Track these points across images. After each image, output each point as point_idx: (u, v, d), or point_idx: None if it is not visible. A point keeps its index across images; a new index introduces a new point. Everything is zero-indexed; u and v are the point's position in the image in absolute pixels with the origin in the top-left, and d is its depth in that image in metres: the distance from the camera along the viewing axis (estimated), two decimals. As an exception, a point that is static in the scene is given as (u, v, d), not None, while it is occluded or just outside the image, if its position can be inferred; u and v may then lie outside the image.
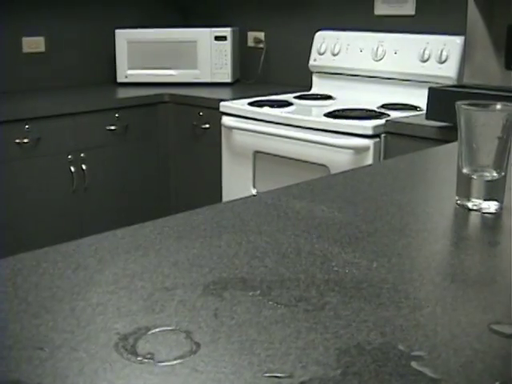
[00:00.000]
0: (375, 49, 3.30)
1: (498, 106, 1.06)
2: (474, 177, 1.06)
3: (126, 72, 3.87)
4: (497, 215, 1.05)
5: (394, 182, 1.27)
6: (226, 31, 3.78)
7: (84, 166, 3.35)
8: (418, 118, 2.70)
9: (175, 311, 0.72)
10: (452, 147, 1.59)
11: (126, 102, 3.50)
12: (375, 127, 2.66)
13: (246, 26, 4.05)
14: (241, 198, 1.13)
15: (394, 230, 0.98)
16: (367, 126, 2.67)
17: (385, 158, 2.64)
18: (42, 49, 3.81)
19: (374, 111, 2.92)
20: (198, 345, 0.65)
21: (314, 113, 3.06)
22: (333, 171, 2.75)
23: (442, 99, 2.50)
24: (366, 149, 2.65)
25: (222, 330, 0.68)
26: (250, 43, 4.05)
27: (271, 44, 3.96)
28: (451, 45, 3.04)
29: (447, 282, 0.80)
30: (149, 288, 0.78)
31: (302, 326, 0.68)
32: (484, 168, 1.06)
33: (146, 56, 3.84)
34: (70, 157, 3.30)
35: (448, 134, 2.42)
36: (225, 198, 3.33)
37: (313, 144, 2.83)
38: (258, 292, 0.76)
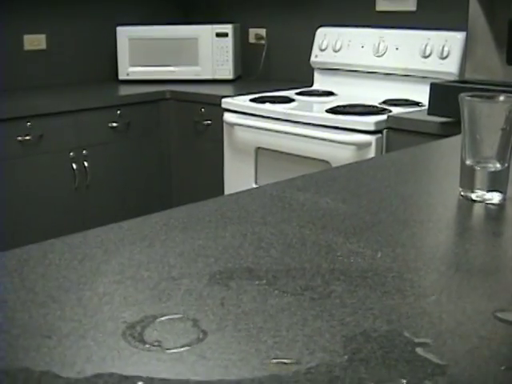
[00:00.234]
0: (377, 45, 3.30)
1: (502, 98, 1.06)
2: (478, 168, 1.06)
3: (128, 69, 3.88)
4: (500, 206, 1.06)
5: (397, 174, 1.27)
6: (228, 28, 3.78)
7: (86, 163, 3.35)
8: (419, 113, 2.70)
9: (182, 300, 0.72)
10: (454, 141, 1.59)
11: (128, 99, 3.51)
12: (377, 123, 2.66)
13: (247, 23, 4.05)
14: (245, 190, 1.13)
15: (397, 220, 0.98)
16: (369, 121, 2.68)
17: (387, 153, 2.65)
18: (44, 46, 3.82)
19: (376, 107, 2.93)
20: (205, 332, 0.65)
21: (316, 109, 3.06)
22: (335, 167, 2.75)
23: (443, 95, 2.50)
24: (367, 144, 2.65)
25: (229, 318, 0.68)
26: (252, 40, 4.06)
27: (272, 40, 3.96)
28: (453, 40, 3.04)
29: (452, 271, 0.80)
30: (155, 278, 0.78)
31: (309, 314, 0.69)
32: (487, 159, 1.06)
33: (148, 53, 3.84)
34: (71, 154, 3.31)
35: (450, 129, 2.43)
36: (227, 194, 3.33)
37: (315, 140, 2.83)
38: (264, 281, 0.76)
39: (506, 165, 1.06)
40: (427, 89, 2.60)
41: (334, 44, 3.49)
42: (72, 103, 3.30)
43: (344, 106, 2.95)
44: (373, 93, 3.29)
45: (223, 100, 3.27)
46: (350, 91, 3.41)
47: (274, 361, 0.60)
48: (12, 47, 3.70)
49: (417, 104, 2.98)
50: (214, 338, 0.65)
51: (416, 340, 0.64)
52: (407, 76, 3.20)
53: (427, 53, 3.10)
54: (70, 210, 3.34)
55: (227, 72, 3.82)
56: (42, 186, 3.22)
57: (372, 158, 1.48)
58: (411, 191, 1.16)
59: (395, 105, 2.97)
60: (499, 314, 0.69)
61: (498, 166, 1.05)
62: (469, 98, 1.05)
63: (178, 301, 0.72)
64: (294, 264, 0.81)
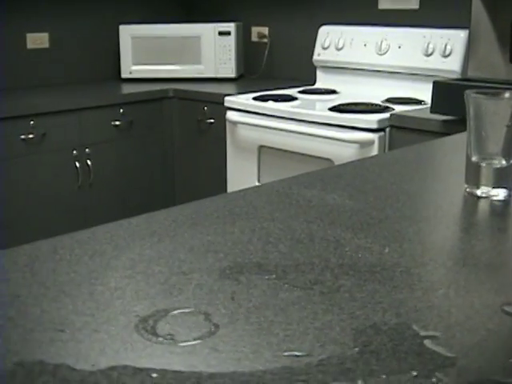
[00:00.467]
0: (379, 43, 3.31)
1: (507, 95, 1.07)
2: (483, 165, 1.07)
3: (131, 68, 3.88)
4: (505, 202, 1.07)
5: (402, 171, 1.28)
6: (230, 26, 3.79)
7: (89, 162, 3.36)
8: (422, 111, 2.71)
9: (193, 294, 0.73)
10: (458, 138, 1.60)
11: (131, 98, 3.52)
12: (380, 121, 2.67)
13: (249, 21, 4.06)
14: (252, 187, 1.14)
15: (404, 216, 0.99)
16: (372, 119, 2.68)
17: (390, 151, 2.65)
18: (47, 45, 3.83)
19: (379, 105, 2.93)
20: (216, 326, 0.66)
21: (319, 107, 3.07)
22: (338, 165, 2.75)
23: (446, 93, 2.51)
24: (370, 143, 2.66)
25: (240, 312, 0.69)
26: (254, 38, 4.06)
27: (275, 39, 3.97)
28: (455, 39, 3.05)
29: (459, 266, 0.81)
30: (166, 272, 0.79)
31: (319, 308, 0.70)
32: (493, 156, 1.07)
33: (150, 51, 3.85)
34: (75, 152, 3.32)
35: (453, 128, 2.43)
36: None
37: (317, 138, 2.84)
38: (274, 276, 0.77)
39: (511, 161, 1.06)
40: (430, 87, 2.60)
41: (337, 42, 3.50)
42: (75, 102, 3.31)
43: (347, 104, 2.95)
44: (375, 91, 3.30)
45: (226, 98, 3.28)
46: (353, 89, 3.42)
47: (286, 353, 0.61)
48: (15, 46, 3.71)
49: (419, 102, 2.99)
50: (225, 331, 0.65)
51: (425, 333, 0.65)
52: (410, 74, 3.21)
53: (430, 51, 3.11)
54: (73, 208, 3.35)
55: (230, 70, 3.83)
56: (45, 185, 3.23)
57: (376, 155, 1.49)
58: (416, 188, 1.17)
59: (398, 103, 2.98)
60: (506, 308, 0.70)
61: (504, 162, 1.06)
62: (475, 94, 1.06)
63: (189, 295, 0.73)
64: (302, 259, 0.82)
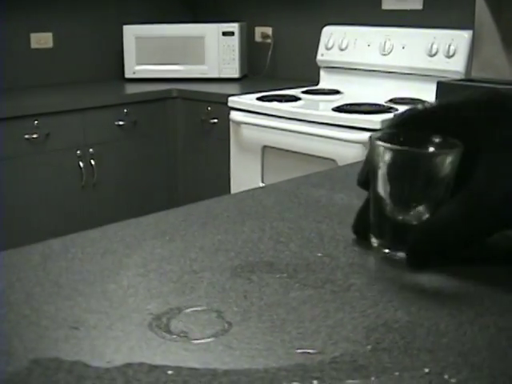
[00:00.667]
0: (383, 43, 3.32)
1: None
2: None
3: (134, 68, 3.90)
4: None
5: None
6: (234, 27, 3.80)
7: (93, 162, 3.37)
8: (426, 111, 2.71)
9: (205, 293, 0.74)
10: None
11: (135, 98, 3.53)
12: (383, 121, 2.68)
13: (253, 22, 4.07)
14: (260, 187, 1.15)
15: (412, 216, 0.99)
16: (375, 120, 2.69)
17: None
18: (50, 45, 3.84)
19: (382, 105, 2.94)
20: (229, 324, 0.67)
21: (322, 107, 3.08)
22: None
23: (450, 93, 2.51)
24: (374, 143, 2.66)
25: (253, 310, 0.70)
26: (258, 38, 4.07)
27: (279, 39, 3.98)
28: (459, 39, 3.05)
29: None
30: (177, 271, 0.80)
31: (330, 306, 0.70)
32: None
33: (154, 52, 3.86)
34: (78, 152, 3.33)
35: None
36: (233, 192, 3.35)
37: (321, 138, 2.85)
38: (285, 275, 0.78)
39: None
40: (433, 87, 2.62)
41: (340, 42, 3.51)
42: (79, 101, 3.32)
43: (350, 105, 2.96)
44: (379, 91, 3.31)
45: (230, 98, 3.28)
46: (356, 90, 3.43)
47: (299, 351, 0.62)
48: (19, 45, 3.72)
49: (423, 102, 2.99)
50: (238, 328, 0.66)
51: (436, 331, 0.65)
52: (413, 75, 3.22)
53: (433, 51, 3.12)
54: (77, 208, 3.36)
55: (233, 71, 3.84)
56: (49, 184, 3.24)
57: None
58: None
59: (401, 103, 2.99)
60: (517, 306, 0.71)
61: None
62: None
63: (201, 293, 0.74)
64: (313, 258, 0.83)
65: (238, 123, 3.21)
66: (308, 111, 2.95)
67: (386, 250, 0.83)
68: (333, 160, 2.81)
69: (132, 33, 3.86)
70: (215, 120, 3.44)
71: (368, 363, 0.59)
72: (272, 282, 0.76)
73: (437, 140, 0.83)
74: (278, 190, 1.12)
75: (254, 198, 1.08)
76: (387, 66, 3.31)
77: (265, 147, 3.12)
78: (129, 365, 0.60)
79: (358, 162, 1.33)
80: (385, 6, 3.47)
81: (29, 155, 3.14)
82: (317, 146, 2.88)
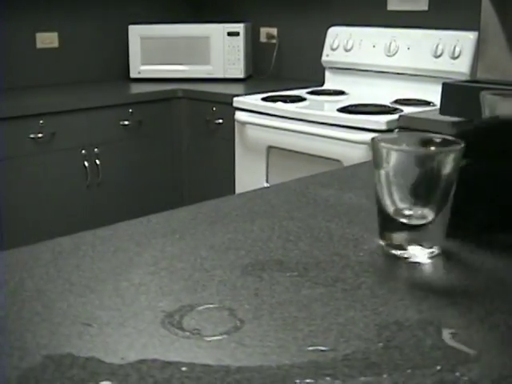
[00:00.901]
0: (388, 44, 3.32)
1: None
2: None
3: (139, 67, 3.90)
4: None
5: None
6: (239, 27, 3.80)
7: (98, 161, 3.37)
8: (431, 113, 2.71)
9: (217, 290, 0.74)
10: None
11: (140, 98, 3.53)
12: (388, 122, 2.68)
13: (258, 22, 4.07)
14: (269, 186, 1.15)
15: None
16: (380, 121, 2.69)
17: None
18: (56, 44, 3.84)
19: (387, 106, 2.94)
20: (242, 321, 0.67)
21: (327, 108, 3.08)
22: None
23: (456, 94, 2.52)
24: (379, 143, 2.66)
25: (264, 308, 0.70)
26: (263, 39, 4.07)
27: (284, 39, 3.98)
28: (464, 40, 3.05)
29: (477, 265, 0.82)
30: (188, 269, 0.80)
31: (341, 304, 0.71)
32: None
33: (159, 51, 3.86)
34: (83, 152, 3.33)
35: (461, 129, 2.44)
36: (238, 192, 3.35)
37: (326, 139, 2.85)
38: (296, 273, 0.78)
39: None
40: (438, 88, 2.61)
41: (346, 43, 3.51)
42: (84, 101, 3.32)
43: (355, 106, 2.96)
44: (384, 92, 3.31)
45: (235, 99, 3.29)
46: (361, 90, 3.43)
47: (311, 348, 0.62)
48: (24, 45, 3.72)
49: (428, 103, 3.00)
50: (251, 326, 0.66)
51: (447, 329, 0.66)
52: (418, 76, 3.22)
53: (439, 52, 3.12)
54: (82, 208, 3.36)
55: (238, 71, 3.84)
56: (54, 184, 3.24)
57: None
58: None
59: (406, 104, 2.99)
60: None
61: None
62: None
63: (212, 291, 0.74)
64: (322, 257, 0.83)
65: (243, 123, 3.21)
66: (313, 112, 2.95)
67: (393, 250, 0.83)
68: (338, 160, 2.81)
69: (137, 33, 3.87)
70: (220, 120, 3.45)
71: (380, 361, 0.60)
72: (283, 281, 0.76)
73: (437, 140, 0.83)
74: (286, 189, 1.13)
75: (263, 197, 1.08)
76: (392, 67, 3.31)
77: (270, 147, 3.12)
78: (142, 361, 0.61)
79: (364, 163, 1.34)
80: (390, 7, 3.47)
81: (34, 155, 3.15)
82: (322, 147, 2.88)
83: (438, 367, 0.59)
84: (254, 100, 3.22)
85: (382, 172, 0.81)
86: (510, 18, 2.74)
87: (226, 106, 3.37)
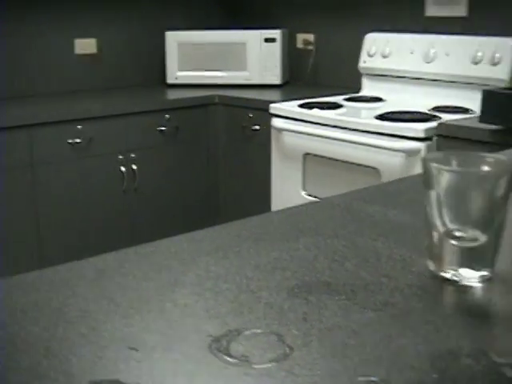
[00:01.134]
0: (426, 51, 3.29)
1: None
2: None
3: (176, 73, 3.90)
4: None
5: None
6: (276, 33, 3.79)
7: (134, 167, 3.38)
8: (470, 120, 2.68)
9: (264, 314, 0.73)
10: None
11: (177, 104, 3.53)
12: (427, 130, 2.65)
13: (295, 28, 4.06)
14: (312, 202, 1.14)
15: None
16: (419, 128, 2.67)
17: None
18: (94, 50, 3.86)
19: (426, 114, 2.91)
20: (290, 348, 0.66)
21: (365, 115, 3.06)
22: (384, 174, 2.74)
23: (496, 102, 2.48)
24: (417, 152, 2.64)
25: (313, 334, 0.69)
26: (299, 45, 4.06)
27: (321, 46, 3.96)
28: (504, 47, 3.01)
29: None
30: (234, 290, 0.79)
31: (392, 331, 0.69)
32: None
33: (196, 57, 3.87)
34: (120, 157, 3.34)
35: (502, 137, 2.41)
36: (274, 200, 3.35)
37: (363, 146, 2.83)
38: (343, 296, 0.77)
39: None
40: (477, 96, 2.58)
41: (383, 50, 3.48)
42: (121, 107, 3.33)
43: (393, 113, 2.94)
44: (422, 99, 3.28)
45: (271, 105, 3.28)
46: (399, 97, 3.40)
47: (362, 378, 0.61)
48: (63, 51, 3.74)
49: (467, 111, 2.96)
50: (300, 353, 0.65)
51: (501, 360, 0.64)
52: (457, 82, 3.18)
53: (478, 59, 3.08)
54: (118, 212, 3.37)
55: (275, 77, 3.83)
56: (91, 189, 3.26)
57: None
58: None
59: (445, 111, 2.96)
60: None
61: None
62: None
63: (259, 314, 0.73)
64: (370, 278, 0.81)
65: (280, 130, 3.20)
66: (350, 119, 2.93)
67: (443, 273, 0.81)
68: (375, 168, 2.79)
69: (174, 39, 3.87)
70: (256, 127, 3.44)
71: (435, 393, 0.58)
72: (330, 304, 0.75)
73: (490, 159, 0.81)
74: (330, 204, 1.11)
75: (307, 213, 1.07)
76: (430, 74, 3.27)
77: (306, 154, 3.11)
78: (191, 389, 0.60)
79: (409, 177, 1.32)
80: (428, 13, 3.44)
81: (71, 160, 3.16)
82: (359, 154, 2.86)
83: (496, 401, 0.57)
84: (291, 106, 3.21)
85: (433, 192, 0.79)
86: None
87: (263, 113, 3.36)
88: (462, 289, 0.79)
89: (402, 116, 2.88)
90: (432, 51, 3.27)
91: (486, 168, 0.81)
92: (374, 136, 2.79)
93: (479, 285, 0.79)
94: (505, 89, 2.78)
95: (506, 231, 0.80)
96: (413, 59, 3.35)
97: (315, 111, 3.09)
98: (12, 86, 3.61)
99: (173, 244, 0.95)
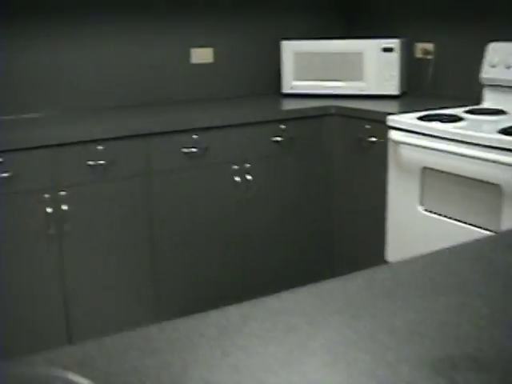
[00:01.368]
0: (555, 62, 3.13)
1: None
2: None
3: (292, 83, 3.86)
4: None
5: None
6: (394, 43, 3.69)
7: (249, 177, 3.35)
8: None
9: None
10: None
11: (292, 114, 3.48)
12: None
13: (413, 37, 3.95)
14: (447, 248, 1.05)
15: None
16: (547, 145, 2.54)
17: None
18: (211, 59, 3.86)
19: (554, 129, 2.77)
20: None
21: (487, 129, 2.93)
22: (506, 191, 2.62)
23: None
24: (545, 170, 2.51)
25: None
26: (418, 54, 3.94)
27: (440, 55, 3.84)
28: None
29: None
30: (369, 362, 0.72)
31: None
32: None
33: (312, 67, 3.81)
34: (235, 167, 3.31)
35: None
36: (390, 214, 3.25)
37: (485, 162, 2.71)
38: (495, 376, 0.68)
39: None
40: None
41: (507, 60, 3.34)
42: (237, 116, 3.30)
43: (518, 127, 2.81)
44: (549, 113, 3.13)
45: (389, 117, 3.18)
46: (524, 110, 3.26)
47: None
48: (179, 60, 3.76)
49: None
50: None
51: None
52: None
53: None
54: (232, 222, 3.35)
55: (393, 88, 3.73)
56: (205, 198, 3.25)
57: None
58: None
59: None
60: None
61: None
62: None
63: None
64: (522, 352, 0.73)
65: (397, 143, 3.11)
66: (472, 133, 2.81)
67: None
68: (498, 185, 2.66)
69: (290, 48, 3.82)
70: (373, 138, 3.35)
71: None
72: (480, 386, 0.67)
73: None
74: (468, 252, 1.02)
75: (443, 263, 0.98)
76: (558, 86, 3.12)
77: (424, 169, 3.00)
78: None
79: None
80: (557, 22, 3.27)
81: (186, 169, 3.15)
82: (480, 170, 2.74)
83: None
84: (410, 119, 3.11)
85: None
86: None
87: (379, 124, 3.27)
88: None
89: (527, 131, 2.75)
90: (561, 62, 3.12)
91: None
92: (497, 151, 2.67)
93: None
94: None
95: None
96: (540, 70, 3.21)
97: (435, 124, 2.99)
98: (129, 95, 3.64)
99: (301, 297, 0.88)
